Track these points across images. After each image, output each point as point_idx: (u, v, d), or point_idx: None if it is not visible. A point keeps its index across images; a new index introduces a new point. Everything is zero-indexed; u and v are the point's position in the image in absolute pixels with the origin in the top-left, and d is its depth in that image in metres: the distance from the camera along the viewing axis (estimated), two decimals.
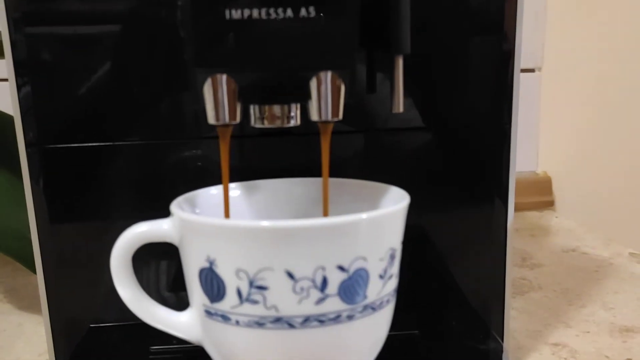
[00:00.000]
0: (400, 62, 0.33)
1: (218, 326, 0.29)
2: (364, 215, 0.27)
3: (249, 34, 0.29)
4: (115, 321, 0.40)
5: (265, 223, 0.26)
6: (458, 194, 0.42)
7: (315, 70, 0.30)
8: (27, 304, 0.62)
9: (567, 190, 0.88)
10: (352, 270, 0.28)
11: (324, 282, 0.27)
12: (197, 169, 0.40)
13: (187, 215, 0.29)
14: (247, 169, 0.39)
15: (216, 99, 0.30)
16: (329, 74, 0.30)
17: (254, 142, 0.39)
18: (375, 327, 0.30)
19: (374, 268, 0.28)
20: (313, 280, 0.27)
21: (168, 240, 0.31)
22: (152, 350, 0.37)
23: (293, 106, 0.31)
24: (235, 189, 0.37)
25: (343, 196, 0.36)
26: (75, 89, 0.37)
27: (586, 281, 0.63)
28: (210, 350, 0.31)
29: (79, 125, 0.38)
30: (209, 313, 0.29)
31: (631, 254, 0.70)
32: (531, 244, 0.75)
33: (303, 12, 0.29)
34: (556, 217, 0.87)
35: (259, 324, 0.28)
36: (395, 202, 0.33)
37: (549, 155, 0.92)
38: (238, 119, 0.31)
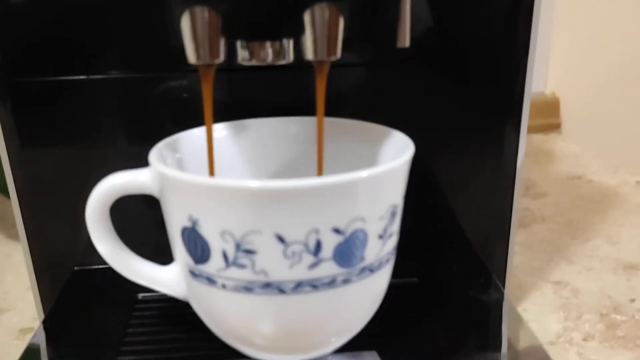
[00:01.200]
0: None
1: (203, 288, 0.27)
2: (363, 174, 0.25)
3: None
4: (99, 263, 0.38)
5: (252, 183, 0.24)
6: (467, 121, 0.39)
7: (309, 1, 0.26)
8: (15, 232, 0.60)
9: (574, 113, 0.85)
10: (348, 232, 0.25)
11: (318, 245, 0.25)
12: (181, 100, 0.36)
13: (167, 171, 0.26)
14: (234, 105, 0.36)
15: (195, 36, 0.26)
16: (326, 6, 0.26)
17: (241, 75, 0.36)
18: (373, 289, 0.28)
19: (373, 228, 0.26)
20: (305, 244, 0.25)
21: (147, 192, 0.28)
22: (140, 299, 0.35)
23: (285, 42, 0.28)
24: (222, 130, 0.34)
25: (341, 136, 0.33)
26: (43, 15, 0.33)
27: (591, 212, 0.61)
28: (196, 308, 0.29)
29: (48, 57, 0.34)
30: (193, 274, 0.27)
31: (638, 182, 0.68)
32: (535, 171, 0.73)
33: None
34: (562, 141, 0.84)
35: (247, 288, 0.25)
36: (397, 150, 0.30)
37: (559, 75, 0.87)
38: (222, 57, 0.27)
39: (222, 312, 0.27)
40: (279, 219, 0.24)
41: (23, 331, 0.44)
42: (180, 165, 0.31)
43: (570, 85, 0.86)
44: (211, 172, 0.30)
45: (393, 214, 0.27)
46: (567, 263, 0.51)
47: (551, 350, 0.40)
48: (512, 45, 0.37)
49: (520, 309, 0.45)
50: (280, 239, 0.24)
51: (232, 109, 0.35)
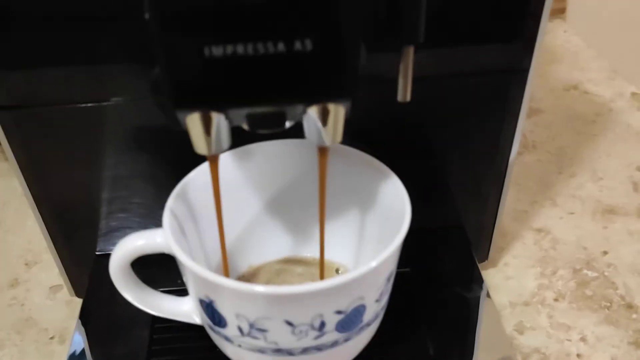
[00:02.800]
0: (411, 52, 0.29)
1: (220, 340, 0.31)
2: (373, 264, 0.27)
3: (233, 72, 0.24)
4: None
5: (260, 288, 0.26)
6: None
7: (311, 102, 0.26)
8: None
9: None
10: (349, 310, 0.28)
11: (322, 324, 0.28)
12: None
13: (182, 257, 0.28)
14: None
15: (206, 136, 0.26)
16: (325, 106, 0.26)
17: None
18: (371, 333, 0.32)
19: (372, 298, 0.29)
20: (311, 325, 0.28)
21: (166, 252, 0.30)
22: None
23: (288, 124, 0.28)
24: (226, 157, 0.35)
25: (341, 165, 0.35)
26: None
27: (581, 138, 0.62)
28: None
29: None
30: (211, 329, 0.31)
31: (633, 94, 0.69)
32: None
33: (297, 45, 0.24)
34: (565, 31, 0.82)
35: (261, 351, 0.29)
36: (393, 200, 0.31)
37: None
38: (229, 145, 0.28)
39: (237, 357, 0.31)
40: (286, 312, 0.27)
41: (53, 289, 0.48)
42: (192, 213, 0.33)
43: None
44: (220, 230, 0.32)
45: (389, 279, 0.30)
46: (551, 205, 0.54)
47: (524, 312, 0.45)
48: None
49: (501, 263, 0.49)
50: (289, 323, 0.28)
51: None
